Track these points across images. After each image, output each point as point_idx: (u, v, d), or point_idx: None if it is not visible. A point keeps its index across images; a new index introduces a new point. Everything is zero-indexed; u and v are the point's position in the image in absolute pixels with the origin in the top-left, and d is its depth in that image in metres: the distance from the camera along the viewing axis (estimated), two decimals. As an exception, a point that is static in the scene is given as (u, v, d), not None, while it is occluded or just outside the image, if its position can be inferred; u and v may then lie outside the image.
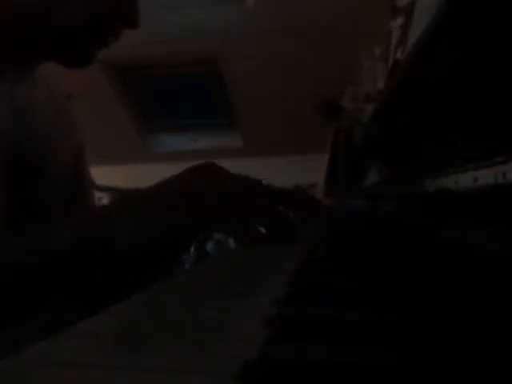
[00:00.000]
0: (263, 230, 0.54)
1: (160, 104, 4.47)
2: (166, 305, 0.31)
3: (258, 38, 3.38)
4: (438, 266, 0.43)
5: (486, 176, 0.39)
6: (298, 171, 3.75)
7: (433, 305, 0.29)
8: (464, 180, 0.44)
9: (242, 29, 3.35)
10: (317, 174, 3.05)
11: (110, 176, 3.84)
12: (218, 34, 3.42)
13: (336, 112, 2.47)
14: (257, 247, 0.54)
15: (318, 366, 0.18)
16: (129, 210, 0.50)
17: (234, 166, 0.55)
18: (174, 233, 0.50)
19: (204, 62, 3.89)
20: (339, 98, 2.47)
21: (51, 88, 0.67)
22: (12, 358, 0.19)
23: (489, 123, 0.44)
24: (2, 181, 0.55)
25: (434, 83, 0.61)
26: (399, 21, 1.31)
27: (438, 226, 0.51)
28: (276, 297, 0.30)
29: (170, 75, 4.18)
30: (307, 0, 3.05)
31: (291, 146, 4.12)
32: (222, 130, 4.49)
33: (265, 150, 4.16)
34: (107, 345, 0.22)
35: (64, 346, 0.22)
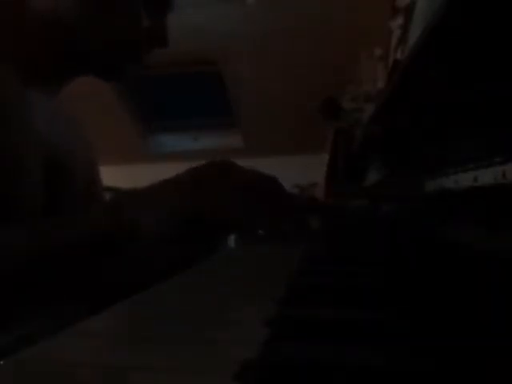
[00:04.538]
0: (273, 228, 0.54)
1: (160, 104, 4.46)
2: (166, 305, 0.31)
3: (258, 38, 3.38)
4: (438, 265, 0.43)
5: (486, 176, 0.39)
6: (298, 171, 3.74)
7: (433, 304, 0.29)
8: (464, 180, 0.44)
9: (242, 29, 3.35)
10: (317, 174, 3.05)
11: (109, 176, 3.83)
12: (218, 34, 3.41)
13: (336, 112, 2.47)
14: (262, 244, 0.54)
15: (317, 366, 0.18)
16: (149, 199, 0.50)
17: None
18: (191, 223, 0.49)
19: (204, 62, 3.88)
20: (339, 98, 2.47)
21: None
22: (12, 358, 0.19)
23: (489, 123, 0.44)
24: (41, 183, 0.57)
25: (434, 83, 0.61)
26: (399, 21, 1.31)
27: (438, 226, 0.51)
28: (276, 297, 0.30)
29: (170, 75, 4.17)
30: (307, 0, 3.05)
31: (291, 146, 4.12)
32: (223, 130, 4.48)
33: (265, 149, 4.15)
34: (107, 345, 0.22)
35: (64, 346, 0.22)
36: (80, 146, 0.68)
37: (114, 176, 4.08)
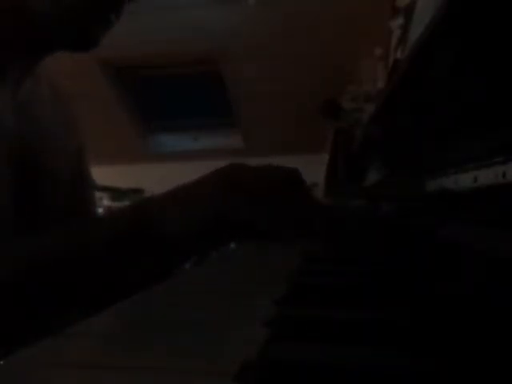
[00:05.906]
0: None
1: (160, 104, 4.46)
2: (165, 305, 0.31)
3: (258, 38, 3.38)
4: (438, 265, 0.43)
5: (486, 176, 0.39)
6: (298, 171, 3.75)
7: (433, 305, 0.29)
8: (464, 180, 0.44)
9: (241, 29, 3.35)
10: (317, 174, 3.05)
11: (109, 176, 3.83)
12: (218, 34, 3.41)
13: (336, 112, 2.47)
14: (262, 244, 0.54)
15: (317, 366, 0.18)
16: (174, 200, 0.50)
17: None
18: (217, 224, 0.49)
19: (204, 62, 3.88)
20: (339, 98, 2.47)
21: (54, 87, 0.67)
22: (12, 358, 0.19)
23: (489, 123, 0.44)
24: (9, 180, 0.55)
25: (434, 83, 0.61)
26: (399, 21, 1.31)
27: (438, 226, 0.51)
28: (276, 297, 0.30)
29: (170, 75, 4.17)
30: (307, 0, 3.05)
31: (291, 146, 4.12)
32: (223, 131, 4.48)
33: (265, 149, 4.15)
34: (107, 345, 0.22)
35: (64, 346, 0.22)
36: (61, 143, 0.65)
37: (114, 176, 4.08)
